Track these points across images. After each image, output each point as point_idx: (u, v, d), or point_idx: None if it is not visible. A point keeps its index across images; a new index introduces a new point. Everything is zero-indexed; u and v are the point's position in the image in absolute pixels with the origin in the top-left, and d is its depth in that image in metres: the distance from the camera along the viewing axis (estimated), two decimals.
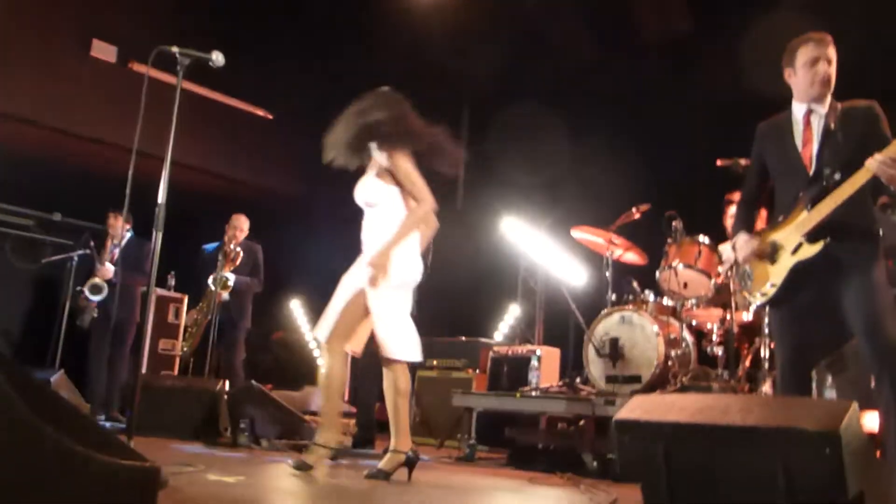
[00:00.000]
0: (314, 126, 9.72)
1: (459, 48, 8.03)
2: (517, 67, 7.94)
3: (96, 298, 6.29)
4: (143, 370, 6.98)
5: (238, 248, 6.38)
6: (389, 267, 3.65)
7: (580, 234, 5.69)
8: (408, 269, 3.77)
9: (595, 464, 4.47)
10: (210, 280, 6.37)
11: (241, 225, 6.58)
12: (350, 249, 6.27)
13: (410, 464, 3.65)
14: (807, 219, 2.99)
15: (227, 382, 5.66)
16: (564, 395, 5.06)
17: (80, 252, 6.49)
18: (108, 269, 6.35)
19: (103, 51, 8.07)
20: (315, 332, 3.82)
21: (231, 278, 6.34)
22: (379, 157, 3.88)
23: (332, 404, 3.77)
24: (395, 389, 3.80)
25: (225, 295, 6.35)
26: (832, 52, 3.07)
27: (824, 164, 3.00)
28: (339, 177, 9.92)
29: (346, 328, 3.71)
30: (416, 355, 3.84)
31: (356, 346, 3.84)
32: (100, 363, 6.42)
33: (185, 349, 7.02)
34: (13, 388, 1.50)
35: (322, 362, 3.91)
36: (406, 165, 3.82)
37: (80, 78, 7.87)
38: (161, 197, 3.24)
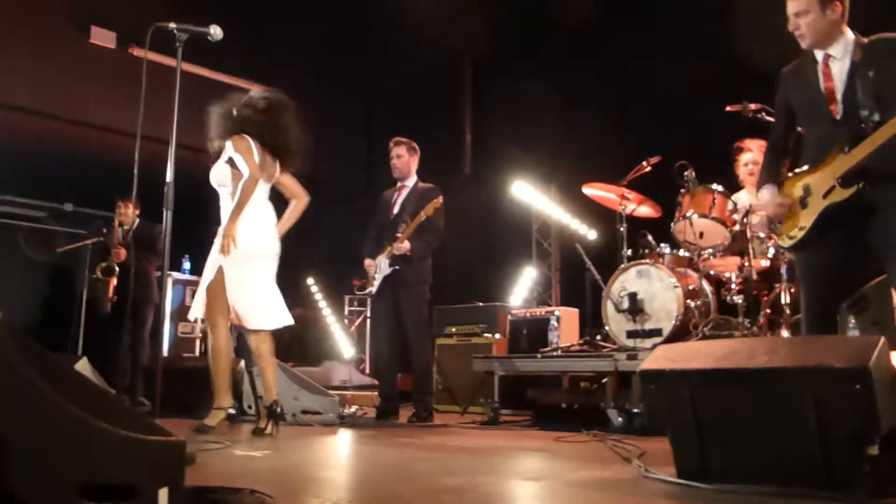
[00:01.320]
0: (316, 101, 9.69)
1: (458, 10, 7.92)
2: (517, 27, 7.83)
3: (107, 278, 6.31)
4: (165, 353, 7.04)
5: None
6: (238, 237, 4.02)
7: (592, 190, 5.63)
8: (257, 239, 4.14)
9: (620, 419, 4.47)
10: None
11: None
12: (359, 224, 6.28)
13: (273, 415, 4.07)
14: (842, 162, 2.94)
15: (249, 361, 5.67)
16: (586, 354, 5.06)
17: (94, 240, 6.50)
18: (122, 251, 6.36)
19: (102, 37, 8.01)
20: (191, 313, 4.22)
21: None
22: (227, 144, 4.28)
23: (223, 374, 4.09)
24: (257, 354, 4.23)
25: None
26: (797, 4, 3.01)
27: (855, 105, 2.94)
28: (344, 153, 9.93)
29: (218, 303, 4.03)
30: (274, 323, 4.20)
31: (235, 317, 4.13)
32: (121, 348, 6.46)
33: (203, 329, 7.04)
34: (38, 372, 1.50)
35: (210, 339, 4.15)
36: (240, 145, 4.19)
37: (80, 65, 7.83)
38: (169, 176, 3.22)
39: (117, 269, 6.31)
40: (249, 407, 5.30)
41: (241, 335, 6.39)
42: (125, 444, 1.60)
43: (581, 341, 5.56)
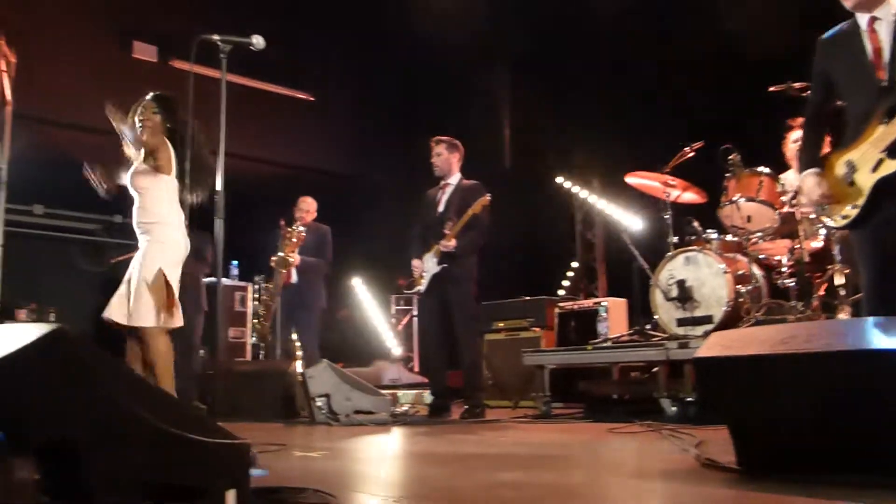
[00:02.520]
0: (356, 102, 9.78)
1: (494, 5, 7.91)
2: (555, 19, 7.78)
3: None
4: (217, 358, 7.17)
5: (301, 229, 6.42)
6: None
7: (634, 179, 5.58)
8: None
9: (674, 408, 4.43)
10: (272, 262, 6.45)
11: (308, 206, 6.62)
12: (403, 224, 6.32)
13: None
14: (884, 133, 2.83)
15: (302, 363, 5.76)
16: (636, 344, 5.01)
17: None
18: None
19: (144, 51, 8.19)
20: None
21: (294, 258, 6.39)
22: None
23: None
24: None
25: (294, 277, 6.41)
26: None
27: None
28: (385, 153, 9.98)
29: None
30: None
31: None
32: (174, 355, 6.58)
33: (257, 333, 7.15)
34: (109, 378, 1.54)
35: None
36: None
37: (124, 79, 8.00)
38: (218, 185, 3.28)
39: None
40: (302, 409, 5.37)
41: (301, 338, 6.49)
42: (193, 447, 1.64)
43: (631, 331, 5.52)
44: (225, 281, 7.43)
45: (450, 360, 5.55)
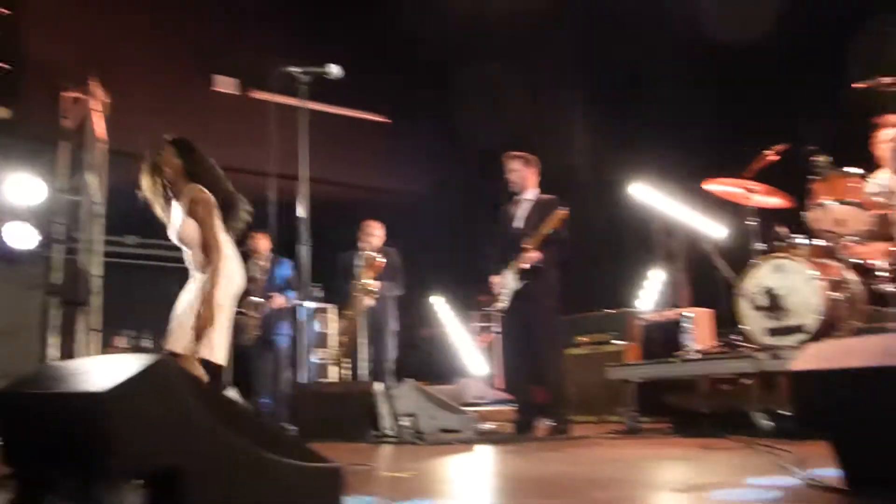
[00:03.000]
0: (427, 122, 9.87)
1: (565, 18, 7.90)
2: (627, 24, 7.69)
3: (258, 314, 6.60)
4: (303, 380, 7.31)
5: (379, 256, 6.51)
6: None
7: (714, 186, 5.44)
8: None
9: (768, 423, 4.27)
10: (353, 288, 6.55)
11: (375, 231, 6.71)
12: (476, 241, 6.33)
13: None
14: None
15: (383, 383, 5.82)
16: (725, 355, 4.87)
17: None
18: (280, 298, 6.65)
19: (225, 84, 8.49)
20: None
21: (374, 284, 6.48)
22: None
23: None
24: None
25: (370, 301, 6.51)
26: None
27: None
28: (460, 170, 10.02)
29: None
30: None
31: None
32: (263, 378, 6.75)
33: (339, 356, 7.26)
34: (207, 405, 1.60)
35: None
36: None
37: (206, 113, 8.32)
38: (302, 211, 3.36)
39: (267, 305, 6.61)
40: (388, 428, 5.41)
41: (378, 360, 6.57)
42: (289, 471, 1.68)
43: (718, 343, 5.37)
44: (309, 304, 7.60)
45: (533, 377, 5.51)
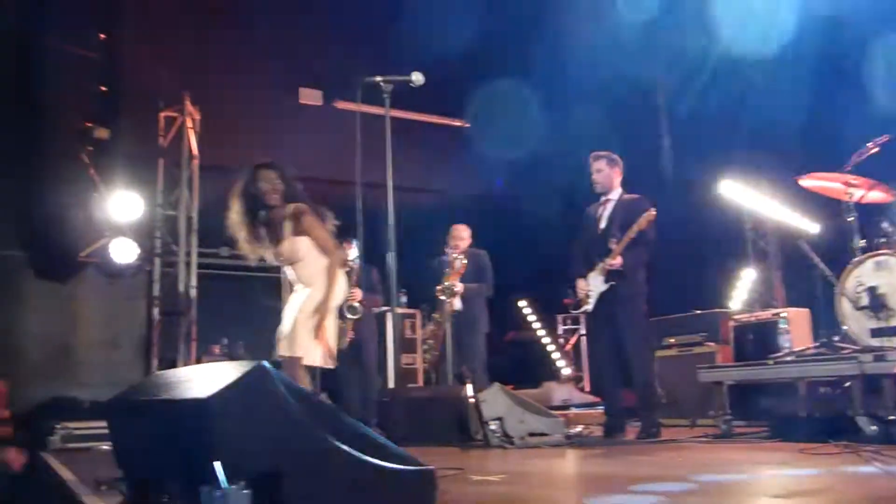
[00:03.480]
0: (508, 125, 9.86)
1: (647, 15, 7.78)
2: (709, 18, 7.50)
3: (353, 317, 6.71)
4: (391, 385, 7.41)
5: (461, 258, 6.54)
6: None
7: (810, 181, 5.25)
8: None
9: (874, 427, 4.08)
10: (438, 291, 6.60)
11: (462, 234, 6.75)
12: (564, 242, 6.28)
13: None
14: None
15: (471, 387, 5.84)
16: (824, 357, 4.69)
17: None
18: (358, 292, 6.76)
19: (310, 96, 8.72)
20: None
21: (458, 286, 6.52)
22: None
23: None
24: None
25: (457, 303, 6.54)
26: None
27: None
28: (541, 171, 9.96)
29: None
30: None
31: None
32: (351, 383, 6.86)
33: (427, 360, 7.32)
34: (304, 410, 1.65)
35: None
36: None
37: (293, 125, 8.57)
38: (390, 218, 3.42)
39: (361, 309, 6.73)
40: (476, 432, 5.43)
41: (468, 362, 6.60)
42: (385, 474, 1.72)
43: (816, 344, 5.16)
44: (396, 309, 7.71)
45: (622, 379, 5.43)
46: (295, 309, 4.13)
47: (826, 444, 3.80)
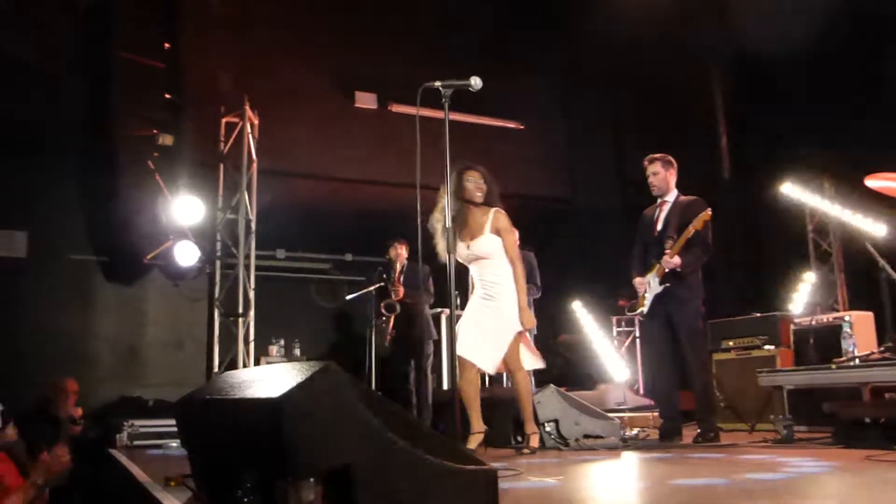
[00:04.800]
0: (565, 126, 9.84)
1: (701, 14, 7.69)
2: (770, 17, 7.37)
3: (390, 314, 6.79)
4: (446, 385, 7.45)
5: None
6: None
7: (877, 182, 5.12)
8: None
9: None
10: None
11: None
12: (619, 245, 6.25)
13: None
14: None
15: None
16: (891, 361, 4.57)
17: (377, 285, 7.03)
18: (400, 289, 6.83)
19: (365, 100, 8.85)
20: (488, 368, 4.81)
21: None
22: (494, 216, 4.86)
23: (475, 403, 4.84)
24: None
25: None
26: None
27: None
28: (598, 174, 9.91)
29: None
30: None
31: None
32: (405, 383, 6.93)
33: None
34: (371, 408, 1.70)
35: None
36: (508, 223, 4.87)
37: (349, 128, 8.70)
38: (448, 221, 3.46)
39: (398, 306, 6.80)
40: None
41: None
42: (449, 473, 1.76)
43: (882, 348, 5.04)
44: (447, 311, 7.74)
45: (679, 382, 5.38)
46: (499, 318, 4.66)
47: (892, 451, 3.72)
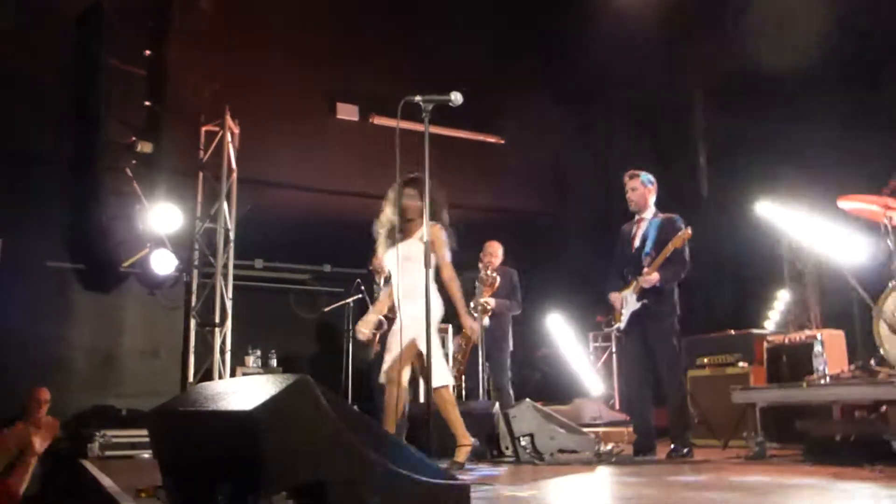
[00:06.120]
0: (551, 141, 9.90)
1: (682, 35, 7.79)
2: (747, 35, 7.48)
3: (377, 331, 6.76)
4: (422, 399, 7.44)
5: (496, 274, 6.59)
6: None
7: (849, 203, 5.21)
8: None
9: None
10: (471, 306, 6.63)
11: (495, 251, 6.79)
12: (598, 260, 6.30)
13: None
14: None
15: (499, 403, 5.85)
16: (860, 380, 4.64)
17: (355, 297, 7.03)
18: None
19: (346, 111, 8.87)
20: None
21: (491, 303, 6.56)
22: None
23: (456, 417, 4.73)
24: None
25: (486, 320, 6.57)
26: None
27: None
28: (580, 189, 9.95)
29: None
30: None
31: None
32: (382, 396, 6.89)
33: (454, 375, 7.34)
34: (344, 422, 1.71)
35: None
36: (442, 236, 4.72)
37: (329, 140, 8.71)
38: (425, 235, 3.48)
39: (385, 323, 6.78)
40: (507, 448, 5.45)
41: (495, 379, 6.62)
42: (422, 488, 1.77)
43: (852, 367, 5.11)
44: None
45: (654, 398, 5.42)
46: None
47: (861, 469, 3.77)
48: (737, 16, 7.64)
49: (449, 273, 4.64)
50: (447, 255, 4.65)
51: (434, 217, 4.51)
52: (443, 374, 4.66)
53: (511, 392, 6.62)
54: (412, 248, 4.51)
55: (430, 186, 4.42)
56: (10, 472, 3.51)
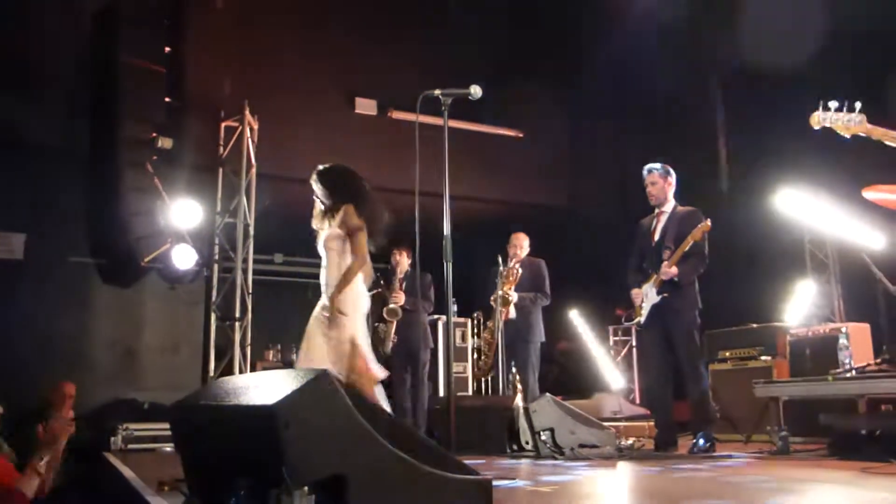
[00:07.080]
0: (567, 136, 9.85)
1: (701, 26, 7.71)
2: (765, 28, 7.38)
3: (393, 319, 6.77)
4: (442, 393, 7.44)
5: (517, 266, 6.54)
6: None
7: (874, 194, 5.12)
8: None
9: None
10: (492, 300, 6.61)
11: (521, 243, 6.74)
12: (618, 254, 6.25)
13: None
14: None
15: (523, 397, 5.83)
16: (887, 373, 4.57)
17: (374, 291, 7.01)
18: (401, 295, 6.82)
19: (365, 106, 8.87)
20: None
21: (513, 296, 6.51)
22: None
23: None
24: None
25: (511, 312, 6.53)
26: None
27: None
28: (599, 183, 9.91)
29: None
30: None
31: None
32: (403, 390, 6.90)
33: (480, 369, 7.33)
34: (366, 417, 1.70)
35: None
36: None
37: (349, 134, 8.71)
38: (446, 229, 3.47)
39: (400, 312, 6.78)
40: (527, 443, 5.44)
41: (520, 371, 6.59)
42: (443, 482, 1.76)
43: (878, 360, 5.04)
44: (448, 318, 7.73)
45: (675, 392, 5.38)
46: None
47: (889, 464, 3.72)
48: (756, 5, 7.53)
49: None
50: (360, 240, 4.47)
51: (347, 201, 4.47)
52: None
53: (536, 388, 6.52)
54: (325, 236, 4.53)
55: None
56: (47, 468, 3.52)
